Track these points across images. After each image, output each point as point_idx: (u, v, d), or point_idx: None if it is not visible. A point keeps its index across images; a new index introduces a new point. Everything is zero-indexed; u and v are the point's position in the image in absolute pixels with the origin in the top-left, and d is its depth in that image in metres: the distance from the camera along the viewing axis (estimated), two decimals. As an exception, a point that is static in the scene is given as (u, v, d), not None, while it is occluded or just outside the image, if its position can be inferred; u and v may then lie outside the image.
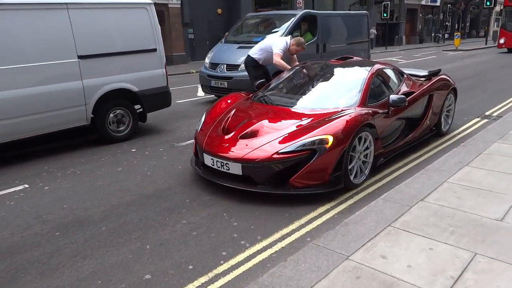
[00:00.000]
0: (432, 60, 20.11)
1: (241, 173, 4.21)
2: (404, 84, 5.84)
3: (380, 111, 4.87)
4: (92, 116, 6.27)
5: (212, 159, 4.42)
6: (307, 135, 4.18)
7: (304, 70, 5.91)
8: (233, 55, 9.08)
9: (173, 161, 5.61)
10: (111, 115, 6.51)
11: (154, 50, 6.85)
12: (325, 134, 4.16)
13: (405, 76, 6.06)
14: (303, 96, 5.18)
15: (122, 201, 4.35)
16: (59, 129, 5.99)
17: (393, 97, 4.89)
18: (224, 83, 9.00)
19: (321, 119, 4.45)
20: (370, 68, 5.34)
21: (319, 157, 4.06)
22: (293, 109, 4.86)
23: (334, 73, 5.51)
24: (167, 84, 7.18)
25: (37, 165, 5.58)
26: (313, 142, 4.10)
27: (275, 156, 4.06)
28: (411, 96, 5.49)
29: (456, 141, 6.23)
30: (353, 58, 6.28)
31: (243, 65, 7.73)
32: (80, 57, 5.94)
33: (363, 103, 4.84)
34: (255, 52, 7.26)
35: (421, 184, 4.27)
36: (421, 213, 3.61)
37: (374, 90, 5.14)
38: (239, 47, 9.32)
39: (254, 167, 4.12)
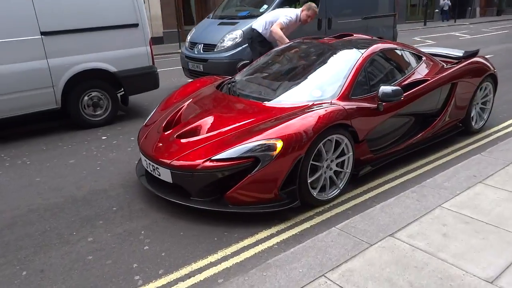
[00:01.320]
0: (499, 36, 17.47)
1: (171, 181, 3.40)
2: (420, 69, 4.60)
3: (368, 106, 3.76)
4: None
5: (145, 160, 3.65)
6: (252, 138, 3.24)
7: (289, 52, 4.85)
8: (211, 33, 7.66)
9: (136, 154, 4.91)
10: (86, 98, 5.92)
11: (136, 25, 6.11)
12: (274, 138, 3.19)
13: (423, 59, 4.79)
14: (277, 85, 4.16)
15: (42, 205, 3.74)
16: (26, 112, 5.51)
17: (384, 89, 3.74)
18: (199, 65, 7.54)
19: (278, 117, 3.47)
20: (365, 50, 4.18)
21: (262, 167, 3.12)
22: (256, 102, 3.89)
23: (321, 56, 4.41)
24: (153, 63, 6.43)
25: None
26: (254, 149, 3.16)
27: (207, 164, 3.19)
28: (420, 86, 4.27)
29: (485, 144, 4.90)
30: (352, 35, 5.08)
31: (221, 44, 6.73)
32: (43, 33, 5.35)
33: (344, 95, 3.76)
34: (260, 24, 6.22)
35: (404, 208, 3.20)
36: (379, 258, 2.59)
37: (369, 79, 4.01)
38: (220, 23, 7.76)
39: (183, 175, 3.28)
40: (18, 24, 5.17)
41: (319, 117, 3.32)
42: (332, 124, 3.34)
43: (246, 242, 3.09)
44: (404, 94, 3.92)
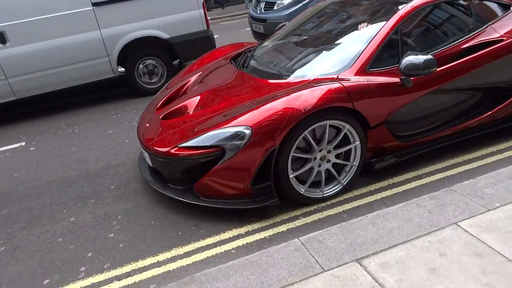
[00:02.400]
0: None
1: (151, 165, 3.21)
2: (499, 25, 3.40)
3: (388, 81, 2.92)
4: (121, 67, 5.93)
5: (139, 140, 3.51)
6: (224, 125, 2.79)
7: (317, 14, 4.03)
8: None
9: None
10: (141, 66, 6.01)
11: (186, -12, 5.85)
12: (243, 125, 2.70)
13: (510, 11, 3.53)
14: (292, 57, 3.49)
15: (59, 178, 3.95)
16: (86, 82, 5.86)
17: (407, 59, 2.83)
18: (260, 26, 6.90)
19: (261, 99, 2.92)
20: (403, 6, 3.21)
21: (228, 158, 2.70)
22: (261, 79, 3.34)
23: (351, 18, 3.56)
24: (208, 27, 6.16)
25: (57, 119, 5.63)
26: (220, 137, 2.73)
27: (175, 151, 2.88)
28: (486, 50, 3.17)
29: None
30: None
31: (281, 1, 5.97)
32: (94, 4, 5.48)
33: (360, 67, 2.97)
34: None
35: (404, 221, 2.46)
36: (319, 294, 2.02)
37: (403, 44, 3.10)
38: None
39: (158, 161, 3.05)
40: (70, -3, 5.36)
41: (302, 100, 2.68)
42: (320, 109, 2.67)
43: (208, 241, 2.76)
44: (455, 63, 2.98)
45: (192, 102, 3.35)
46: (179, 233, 2.87)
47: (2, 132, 5.41)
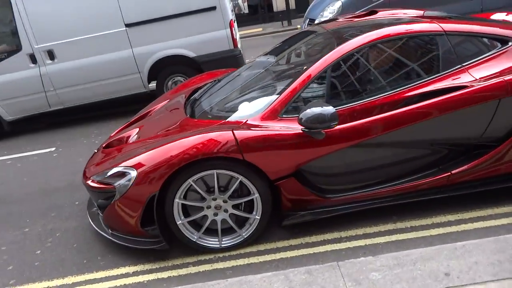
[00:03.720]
0: None
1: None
2: (482, 67, 2.79)
3: (293, 133, 2.62)
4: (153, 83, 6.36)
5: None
6: (122, 163, 2.85)
7: (282, 46, 3.73)
8: (316, 6, 6.47)
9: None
10: (170, 82, 6.35)
11: (213, 8, 5.97)
12: (131, 166, 2.72)
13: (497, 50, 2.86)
14: (227, 96, 3.31)
15: (48, 186, 4.42)
16: (121, 95, 6.41)
17: (305, 113, 2.50)
18: None
19: (168, 138, 2.88)
20: (343, 44, 2.83)
21: (119, 197, 2.74)
22: (188, 115, 3.29)
23: (299, 54, 3.26)
24: (235, 46, 6.21)
25: (91, 128, 6.26)
26: (112, 175, 2.79)
27: (89, 182, 3.04)
28: (433, 100, 2.64)
29: None
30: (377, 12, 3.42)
31: (321, 19, 5.64)
32: (127, 25, 5.96)
33: (272, 113, 2.74)
34: None
35: (257, 295, 2.22)
36: None
37: (335, 86, 2.78)
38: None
39: (88, 189, 3.23)
40: (105, 19, 5.92)
41: (183, 147, 2.58)
42: (202, 158, 2.54)
43: (98, 274, 2.86)
44: (390, 113, 2.57)
45: (133, 132, 3.45)
46: (84, 261, 3.01)
47: (43, 137, 6.22)
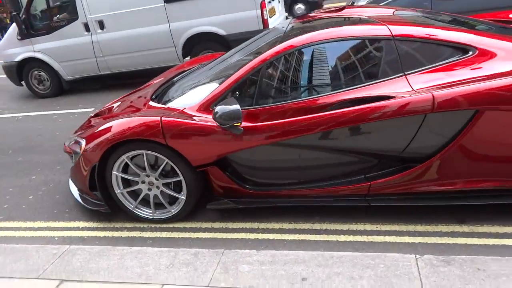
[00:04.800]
0: None
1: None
2: (421, 75, 2.67)
3: (211, 125, 2.79)
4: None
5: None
6: (84, 132, 3.30)
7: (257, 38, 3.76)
8: None
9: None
10: (202, 58, 6.69)
11: (245, -12, 6.10)
12: (84, 136, 3.16)
13: (472, 54, 2.64)
14: (187, 84, 3.48)
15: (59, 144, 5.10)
16: (157, 66, 6.94)
17: (216, 109, 2.65)
18: None
19: (118, 116, 3.24)
20: (282, 43, 2.87)
21: (75, 162, 3.22)
22: (149, 97, 3.58)
23: (253, 50, 3.31)
24: (265, 26, 6.30)
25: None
26: (71, 142, 3.27)
27: (64, 146, 3.56)
28: (370, 105, 2.60)
29: None
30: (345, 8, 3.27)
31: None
32: (166, 1, 6.37)
33: (205, 105, 2.93)
34: None
35: (118, 264, 2.55)
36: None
37: (265, 86, 2.86)
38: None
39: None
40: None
41: (119, 127, 2.91)
42: (132, 138, 2.86)
43: (53, 224, 3.37)
44: (312, 116, 2.62)
45: (113, 106, 3.87)
46: (55, 211, 3.57)
47: (93, 97, 7.01)
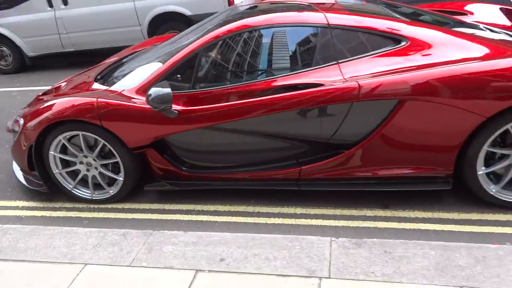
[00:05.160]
0: None
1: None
2: (351, 64, 2.70)
3: (143, 107, 2.80)
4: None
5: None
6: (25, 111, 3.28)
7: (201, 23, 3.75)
8: None
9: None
10: (167, 37, 6.62)
11: (211, -31, 6.02)
12: (22, 116, 3.15)
13: (404, 44, 2.69)
14: (129, 66, 3.47)
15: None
16: (124, 44, 6.82)
17: (148, 92, 2.66)
18: None
19: (59, 96, 3.22)
20: (221, 28, 2.88)
21: (15, 140, 3.21)
22: (92, 79, 3.54)
23: (195, 33, 3.30)
24: (230, 9, 6.24)
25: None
26: (14, 121, 3.25)
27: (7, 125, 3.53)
28: (285, 94, 2.64)
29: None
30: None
31: None
32: (130, -22, 6.26)
33: (143, 87, 2.92)
34: None
35: (46, 243, 2.59)
36: None
37: (203, 69, 2.89)
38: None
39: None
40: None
41: (56, 107, 2.91)
42: (67, 119, 2.86)
43: (-2, 202, 3.38)
44: (244, 101, 2.67)
45: (63, 84, 3.83)
46: (-1, 190, 3.57)
47: (54, 75, 6.90)
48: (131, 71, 3.25)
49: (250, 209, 2.95)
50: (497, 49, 2.53)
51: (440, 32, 2.70)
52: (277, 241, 2.40)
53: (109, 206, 3.15)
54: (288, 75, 2.70)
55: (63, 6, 6.62)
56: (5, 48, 7.23)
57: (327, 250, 2.29)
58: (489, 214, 2.63)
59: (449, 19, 3.23)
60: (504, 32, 3.01)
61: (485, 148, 2.48)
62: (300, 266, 2.19)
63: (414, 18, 3.07)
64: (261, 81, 2.74)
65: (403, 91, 2.44)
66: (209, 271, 2.23)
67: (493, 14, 3.61)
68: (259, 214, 2.88)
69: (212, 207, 3.01)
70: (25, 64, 7.31)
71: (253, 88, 2.72)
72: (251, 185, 2.94)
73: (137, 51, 4.19)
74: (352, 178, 2.77)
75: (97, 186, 3.16)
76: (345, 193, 2.89)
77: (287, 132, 2.75)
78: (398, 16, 3.02)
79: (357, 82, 2.51)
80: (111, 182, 3.13)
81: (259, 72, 2.84)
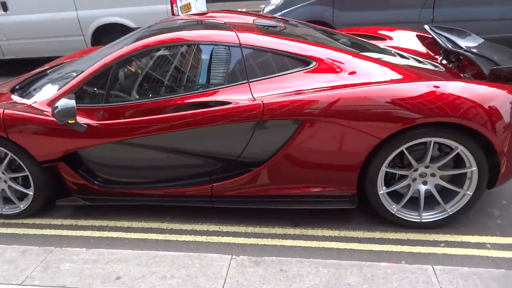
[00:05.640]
0: None
1: None
2: (261, 84, 2.74)
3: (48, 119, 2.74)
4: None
5: None
6: None
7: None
8: None
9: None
10: (112, 49, 6.53)
11: (155, -17, 6.03)
12: None
13: (314, 65, 2.74)
14: (52, 79, 3.40)
15: None
16: (67, 54, 6.69)
17: (57, 104, 2.62)
18: None
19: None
20: (142, 41, 2.88)
21: None
22: (9, 90, 3.42)
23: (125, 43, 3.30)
24: (175, 23, 6.25)
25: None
26: None
27: None
28: (191, 111, 2.66)
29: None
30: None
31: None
32: (72, -13, 6.16)
33: (54, 100, 2.83)
34: None
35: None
36: None
37: (116, 84, 2.88)
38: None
39: None
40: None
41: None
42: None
43: None
44: (150, 117, 2.67)
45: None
46: None
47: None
48: (46, 83, 3.18)
49: (164, 225, 2.92)
50: (403, 74, 2.66)
51: (349, 56, 2.80)
52: (178, 259, 2.40)
53: (20, 221, 3.04)
54: (198, 93, 2.73)
55: (2, 12, 6.42)
56: None
57: (225, 268, 2.30)
58: (392, 233, 2.73)
59: (365, 43, 3.38)
60: (414, 58, 3.18)
61: (384, 168, 2.59)
62: (194, 285, 2.19)
63: (328, 41, 3.19)
64: (170, 97, 2.75)
65: (304, 111, 2.51)
66: (103, 290, 2.19)
67: (410, 40, 3.81)
68: (172, 231, 2.87)
69: (126, 223, 2.97)
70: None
71: (161, 104, 2.73)
72: (165, 202, 2.92)
73: (63, 63, 4.11)
74: (264, 196, 2.81)
75: (7, 201, 3.05)
76: (260, 211, 2.92)
77: (198, 149, 2.77)
78: (313, 38, 3.13)
79: (261, 101, 2.56)
80: (22, 196, 3.02)
81: (169, 89, 2.86)
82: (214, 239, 2.76)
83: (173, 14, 6.18)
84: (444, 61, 3.17)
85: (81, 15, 6.29)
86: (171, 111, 2.70)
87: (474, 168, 2.54)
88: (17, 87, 3.44)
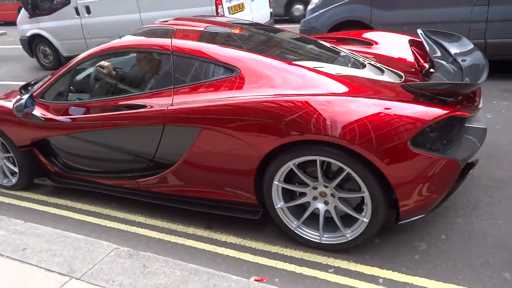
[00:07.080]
0: None
1: None
2: (185, 89, 2.88)
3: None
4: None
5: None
6: None
7: None
8: None
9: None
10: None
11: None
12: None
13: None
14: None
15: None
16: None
17: (21, 99, 3.15)
18: None
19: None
20: (98, 47, 3.28)
21: None
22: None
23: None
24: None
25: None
26: None
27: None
28: (115, 113, 2.97)
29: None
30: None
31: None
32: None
33: (36, 95, 3.42)
34: None
35: None
36: None
37: (72, 85, 3.33)
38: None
39: None
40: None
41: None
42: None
43: None
44: (89, 116, 3.11)
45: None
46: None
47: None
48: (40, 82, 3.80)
49: (105, 211, 3.29)
50: (336, 85, 2.48)
51: (277, 64, 2.70)
52: (75, 241, 2.70)
53: (13, 192, 3.71)
54: (127, 97, 2.99)
55: (86, 15, 7.54)
56: (47, 48, 8.43)
57: (102, 256, 2.54)
58: (289, 250, 2.64)
59: (331, 50, 3.20)
60: (377, 67, 2.92)
61: (277, 183, 2.51)
62: (69, 265, 2.48)
63: (274, 49, 3.13)
64: (107, 99, 3.09)
65: (200, 119, 2.58)
66: (7, 256, 2.63)
67: (397, 46, 3.47)
68: (107, 217, 3.21)
69: (81, 205, 3.40)
70: (61, 63, 8.44)
71: (100, 105, 3.08)
72: (108, 191, 3.27)
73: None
74: (183, 196, 2.95)
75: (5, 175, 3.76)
76: (190, 210, 3.01)
77: (124, 146, 3.04)
78: (256, 44, 3.12)
79: (166, 107, 2.71)
80: (14, 172, 3.69)
81: (108, 92, 3.20)
82: (131, 229, 3.03)
83: (217, 15, 6.49)
84: (432, 69, 2.85)
85: (143, 17, 7.03)
86: (106, 112, 3.02)
87: (366, 194, 2.31)
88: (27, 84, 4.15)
